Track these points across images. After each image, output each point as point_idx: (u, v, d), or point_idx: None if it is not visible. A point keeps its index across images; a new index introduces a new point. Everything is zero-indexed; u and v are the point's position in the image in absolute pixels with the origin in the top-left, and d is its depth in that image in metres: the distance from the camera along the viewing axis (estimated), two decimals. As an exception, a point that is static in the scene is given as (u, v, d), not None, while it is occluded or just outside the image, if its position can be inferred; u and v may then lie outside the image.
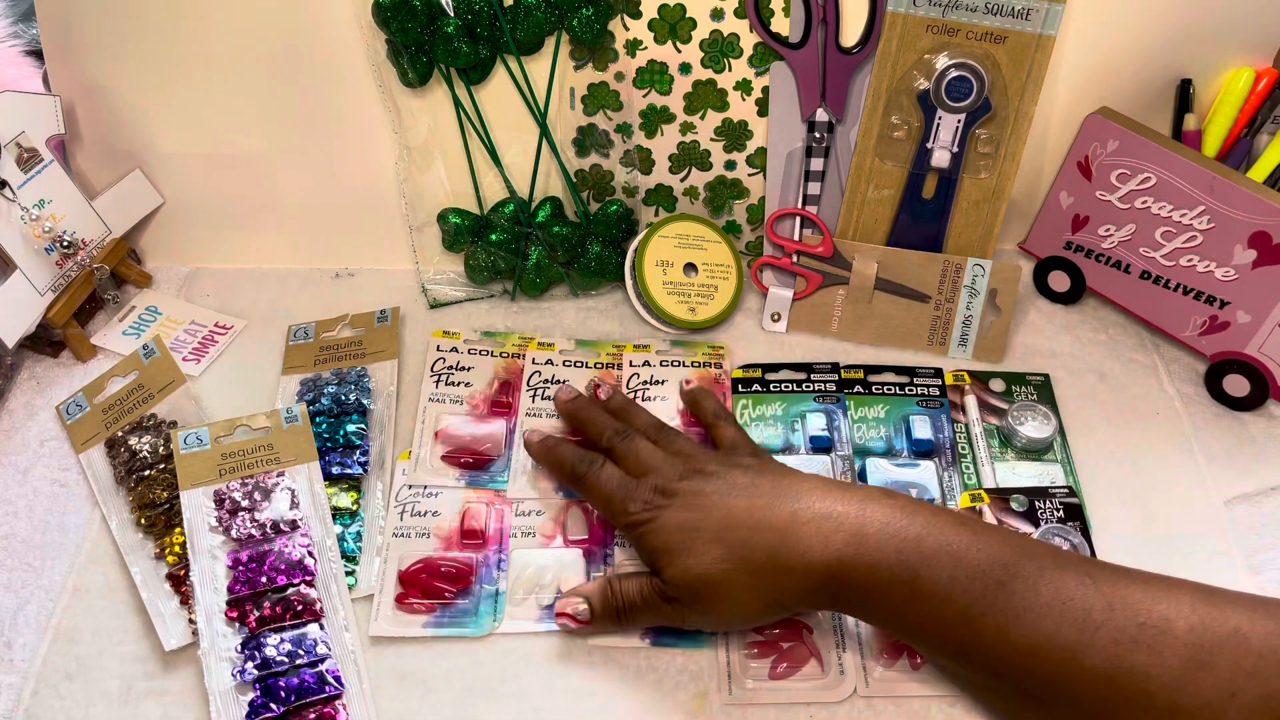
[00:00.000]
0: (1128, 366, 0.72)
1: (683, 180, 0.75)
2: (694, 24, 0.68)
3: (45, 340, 0.72)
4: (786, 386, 0.70)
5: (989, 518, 0.61)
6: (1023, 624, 0.45)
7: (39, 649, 0.57)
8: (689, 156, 0.73)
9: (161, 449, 0.63)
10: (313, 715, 0.53)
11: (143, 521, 0.61)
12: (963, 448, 0.66)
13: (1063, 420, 0.68)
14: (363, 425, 0.66)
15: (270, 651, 0.54)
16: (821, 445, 0.66)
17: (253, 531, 0.59)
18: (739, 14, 0.67)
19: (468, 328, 0.74)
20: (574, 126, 0.72)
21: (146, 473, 0.62)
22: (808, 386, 0.70)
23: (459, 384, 0.69)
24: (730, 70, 0.69)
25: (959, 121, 0.68)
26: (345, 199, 0.76)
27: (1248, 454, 0.67)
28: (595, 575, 0.60)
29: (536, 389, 0.69)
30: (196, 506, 0.60)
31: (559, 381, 0.70)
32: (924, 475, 0.64)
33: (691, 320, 0.73)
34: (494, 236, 0.73)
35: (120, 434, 0.65)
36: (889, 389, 0.70)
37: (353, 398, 0.67)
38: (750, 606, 0.52)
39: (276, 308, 0.76)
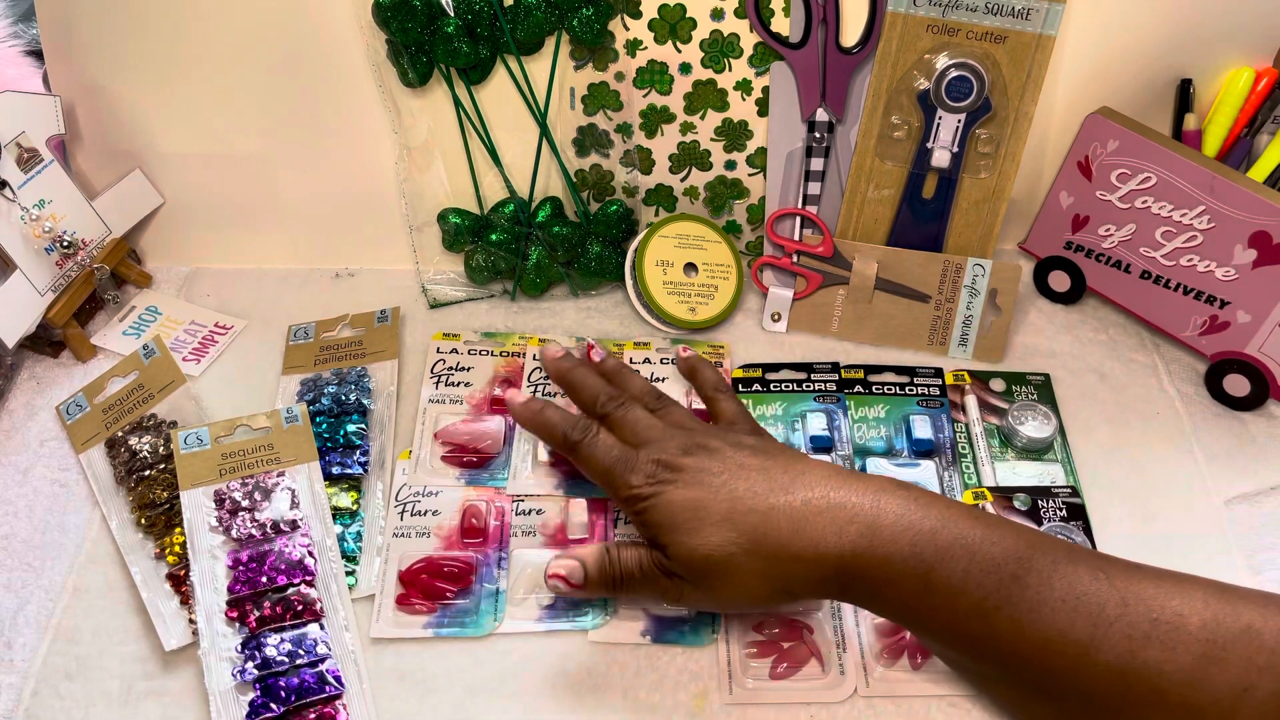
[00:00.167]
0: (1128, 366, 0.72)
1: (683, 180, 0.75)
2: (694, 24, 0.68)
3: (45, 340, 0.72)
4: (787, 386, 0.70)
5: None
6: (1036, 619, 0.45)
7: (39, 649, 0.57)
8: (689, 156, 0.73)
9: (161, 449, 0.63)
10: (313, 715, 0.53)
11: (143, 521, 0.61)
12: (963, 447, 0.66)
13: (1063, 420, 0.68)
14: (363, 425, 0.66)
15: (270, 651, 0.54)
16: (822, 445, 0.66)
17: (253, 531, 0.59)
18: (739, 14, 0.67)
19: (468, 328, 0.74)
20: (574, 126, 0.72)
21: (146, 473, 0.62)
22: (808, 386, 0.70)
23: (459, 384, 0.69)
24: (730, 70, 0.69)
25: (959, 121, 0.68)
26: (345, 199, 0.76)
27: (1248, 454, 0.67)
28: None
29: (537, 385, 0.69)
30: (197, 506, 0.60)
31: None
32: (924, 475, 0.64)
33: (691, 320, 0.73)
34: (494, 236, 0.73)
35: (120, 434, 0.65)
36: (889, 389, 0.70)
37: (353, 398, 0.67)
38: (757, 592, 0.51)
39: (276, 308, 0.75)
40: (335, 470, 0.63)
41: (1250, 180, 0.66)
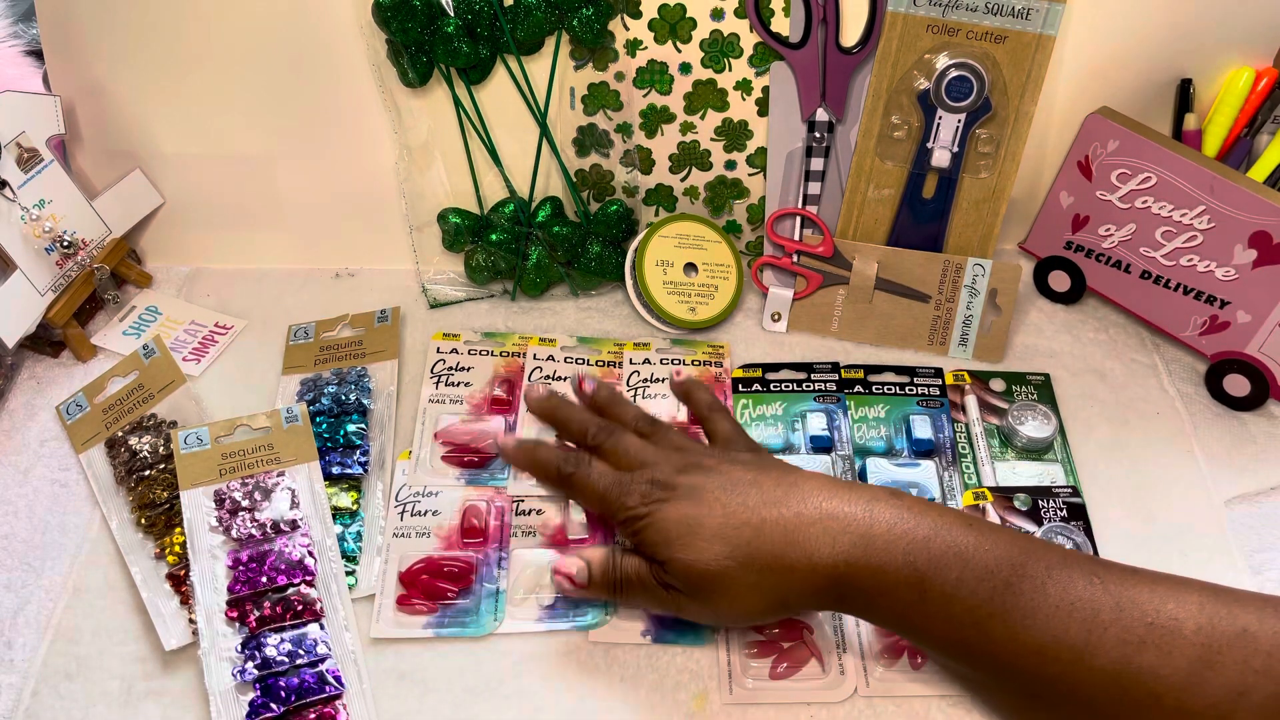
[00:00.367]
0: (1128, 366, 0.72)
1: (683, 180, 0.75)
2: (694, 24, 0.68)
3: (45, 340, 0.72)
4: (787, 386, 0.70)
5: (992, 517, 0.61)
6: (1030, 625, 0.45)
7: (39, 649, 0.57)
8: (689, 156, 0.73)
9: (162, 449, 0.63)
10: (313, 715, 0.53)
11: (143, 521, 0.61)
12: (963, 447, 0.66)
13: (1063, 420, 0.68)
14: (363, 425, 0.66)
15: (270, 651, 0.54)
16: (822, 445, 0.66)
17: (253, 531, 0.59)
18: (739, 14, 0.67)
19: (468, 328, 0.74)
20: (574, 126, 0.72)
21: (146, 473, 0.62)
22: (808, 386, 0.70)
23: (459, 384, 0.69)
24: (730, 70, 0.69)
25: (959, 121, 0.68)
26: (345, 199, 0.76)
27: (1248, 454, 0.67)
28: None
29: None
30: (196, 506, 0.60)
31: (560, 379, 0.70)
32: (924, 475, 0.64)
33: (691, 320, 0.73)
34: (494, 236, 0.73)
35: (120, 434, 0.65)
36: (889, 389, 0.70)
37: (353, 398, 0.67)
38: (752, 605, 0.51)
39: (276, 308, 0.75)
40: (335, 470, 0.63)
41: (1250, 180, 0.66)
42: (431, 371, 0.70)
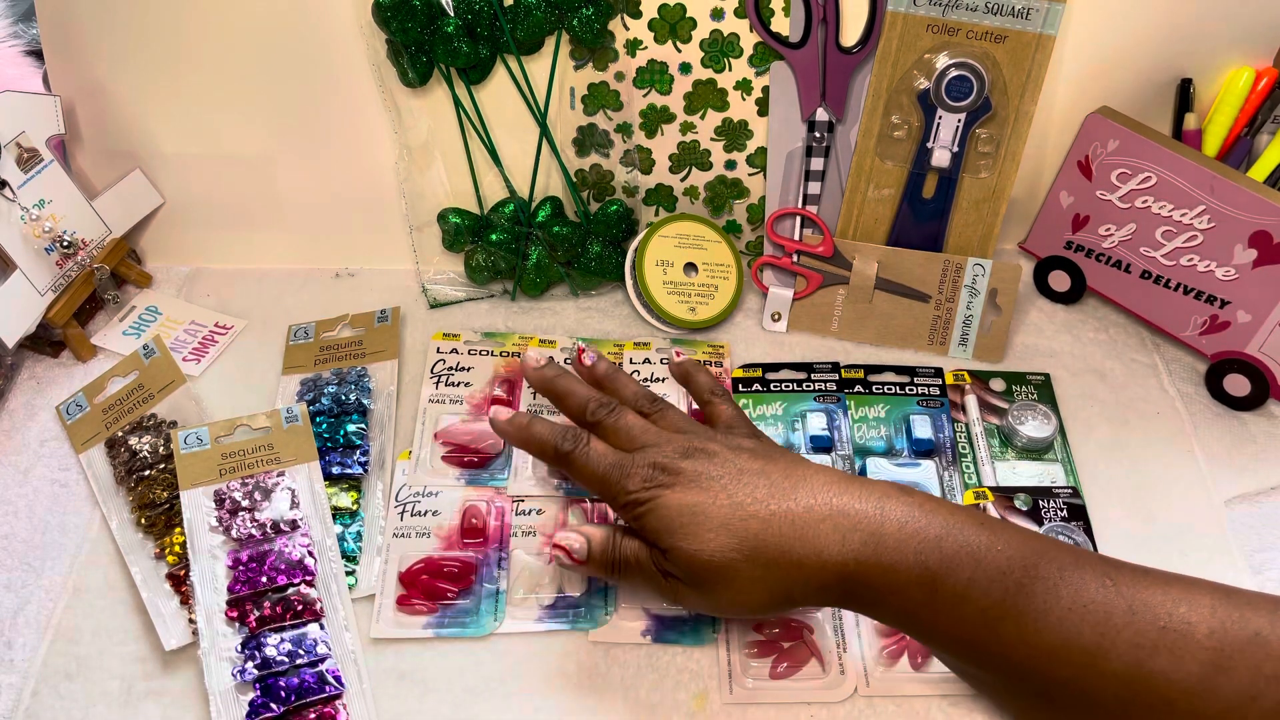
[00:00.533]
0: (1128, 366, 0.72)
1: (683, 180, 0.75)
2: (694, 24, 0.68)
3: (45, 340, 0.72)
4: (787, 386, 0.70)
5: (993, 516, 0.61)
6: (1043, 627, 0.45)
7: (39, 649, 0.57)
8: (689, 156, 0.73)
9: (161, 449, 0.63)
10: (313, 715, 0.53)
11: (143, 521, 0.61)
12: (963, 447, 0.66)
13: (1063, 420, 0.68)
14: (363, 425, 0.66)
15: (270, 651, 0.54)
16: (822, 445, 0.66)
17: (253, 531, 0.59)
18: (739, 14, 0.67)
19: (468, 328, 0.74)
20: (574, 126, 0.72)
21: (146, 473, 0.62)
22: (808, 386, 0.70)
23: (459, 384, 0.69)
24: (730, 70, 0.69)
25: (959, 121, 0.68)
26: (345, 199, 0.76)
27: (1248, 454, 0.67)
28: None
29: (537, 389, 0.69)
30: (196, 506, 0.60)
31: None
32: (924, 475, 0.64)
33: (691, 320, 0.73)
34: (494, 236, 0.73)
35: (120, 434, 0.65)
36: (889, 388, 0.70)
37: (353, 398, 0.67)
38: (756, 598, 0.50)
39: (276, 308, 0.75)
40: (335, 470, 0.63)
41: (1250, 180, 0.66)
42: (431, 371, 0.70)
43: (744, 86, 0.70)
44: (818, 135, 0.71)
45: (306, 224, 0.78)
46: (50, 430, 0.68)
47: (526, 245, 0.74)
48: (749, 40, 0.68)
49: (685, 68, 0.69)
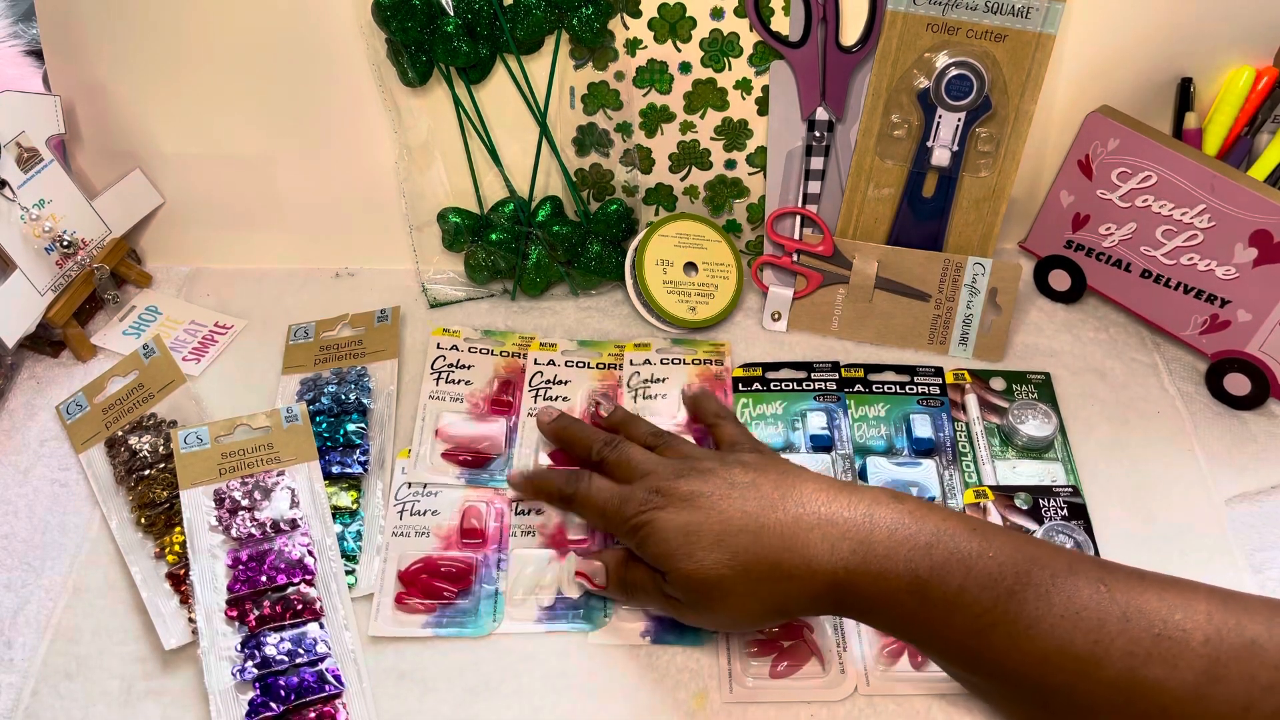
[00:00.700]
0: (1128, 365, 0.72)
1: (683, 179, 0.75)
2: (694, 23, 0.68)
3: (45, 340, 0.72)
4: (787, 385, 0.70)
5: (993, 515, 0.61)
6: (1035, 634, 0.44)
7: (39, 649, 0.57)
8: (689, 155, 0.73)
9: (161, 448, 0.63)
10: (313, 714, 0.53)
11: (143, 521, 0.61)
12: (963, 446, 0.66)
13: (1063, 419, 0.68)
14: (363, 424, 0.66)
15: (270, 650, 0.54)
16: (822, 444, 0.66)
17: (253, 531, 0.59)
18: (739, 13, 0.67)
19: (468, 327, 0.74)
20: (574, 126, 0.72)
21: (146, 472, 0.62)
22: (808, 385, 0.70)
23: (459, 382, 0.69)
24: (730, 69, 0.69)
25: (959, 120, 0.68)
26: (345, 199, 0.76)
27: (1248, 453, 0.67)
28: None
29: (538, 390, 0.69)
30: (196, 506, 0.60)
31: (561, 382, 0.70)
32: (925, 474, 0.64)
33: (691, 319, 0.73)
34: (494, 236, 0.73)
35: (120, 433, 0.65)
36: (889, 388, 0.70)
37: (353, 397, 0.67)
38: (752, 611, 0.51)
39: (276, 308, 0.75)
40: (335, 470, 0.63)
41: (1251, 179, 0.66)
42: (431, 368, 0.70)
43: (744, 86, 0.70)
44: (817, 134, 0.71)
45: (306, 224, 0.78)
46: (50, 430, 0.68)
47: (526, 245, 0.74)
48: (749, 39, 0.68)
49: (685, 67, 0.69)
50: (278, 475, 0.61)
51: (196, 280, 0.78)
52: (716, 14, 0.67)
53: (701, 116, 0.72)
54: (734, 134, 0.72)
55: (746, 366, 0.71)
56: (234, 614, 0.56)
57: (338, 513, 0.62)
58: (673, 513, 0.51)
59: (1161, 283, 0.71)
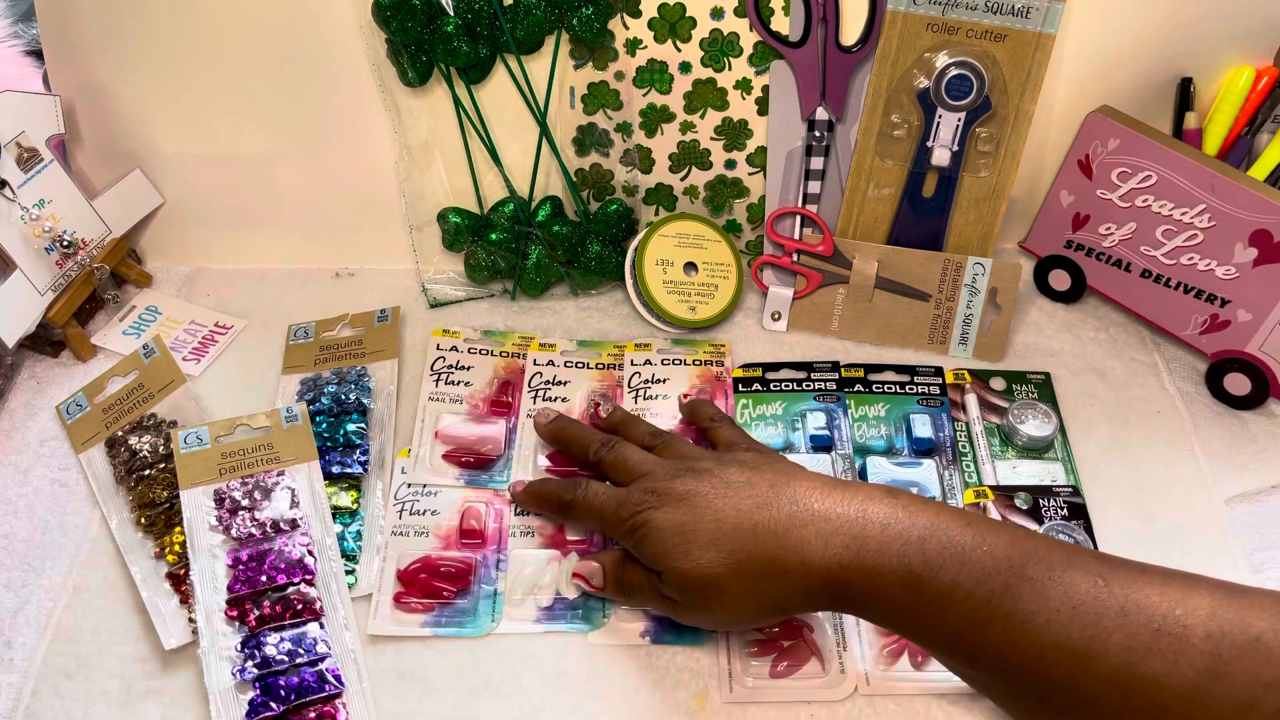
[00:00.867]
0: (1128, 365, 0.72)
1: (683, 179, 0.75)
2: (694, 23, 0.68)
3: (45, 340, 0.72)
4: (787, 385, 0.70)
5: (993, 515, 0.61)
6: (1030, 629, 0.44)
7: (39, 648, 0.57)
8: (689, 155, 0.73)
9: (161, 448, 0.63)
10: (313, 714, 0.53)
11: (143, 521, 0.61)
12: (963, 446, 0.66)
13: (1063, 419, 0.68)
14: (363, 424, 0.66)
15: (270, 650, 0.54)
16: (822, 444, 0.66)
17: (253, 530, 0.59)
18: (739, 13, 0.67)
19: (468, 327, 0.74)
20: (574, 126, 0.72)
21: (146, 472, 0.62)
22: (808, 385, 0.70)
23: (459, 383, 0.69)
24: (730, 69, 0.69)
25: (959, 120, 0.68)
26: (345, 199, 0.76)
27: (1248, 453, 0.67)
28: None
29: (538, 390, 0.69)
30: (196, 506, 0.60)
31: (560, 383, 0.70)
32: (925, 474, 0.64)
33: (691, 319, 0.73)
34: (494, 236, 0.73)
35: (120, 433, 0.65)
36: (889, 388, 0.70)
37: (353, 397, 0.67)
38: (748, 609, 0.51)
39: (276, 308, 0.75)
40: (335, 469, 0.63)
41: (1251, 179, 0.66)
42: (431, 369, 0.70)
43: (744, 86, 0.70)
44: (817, 134, 0.71)
45: (306, 224, 0.78)
46: (50, 430, 0.68)
47: (526, 245, 0.74)
48: (749, 39, 0.68)
49: (685, 67, 0.69)
50: (278, 475, 0.61)
51: (196, 280, 0.78)
52: (716, 14, 0.67)
53: (701, 116, 0.72)
54: (734, 134, 0.72)
55: (746, 367, 0.71)
56: (234, 614, 0.56)
57: (338, 513, 0.62)
58: (668, 512, 0.52)
59: (1161, 282, 0.71)
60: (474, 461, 0.65)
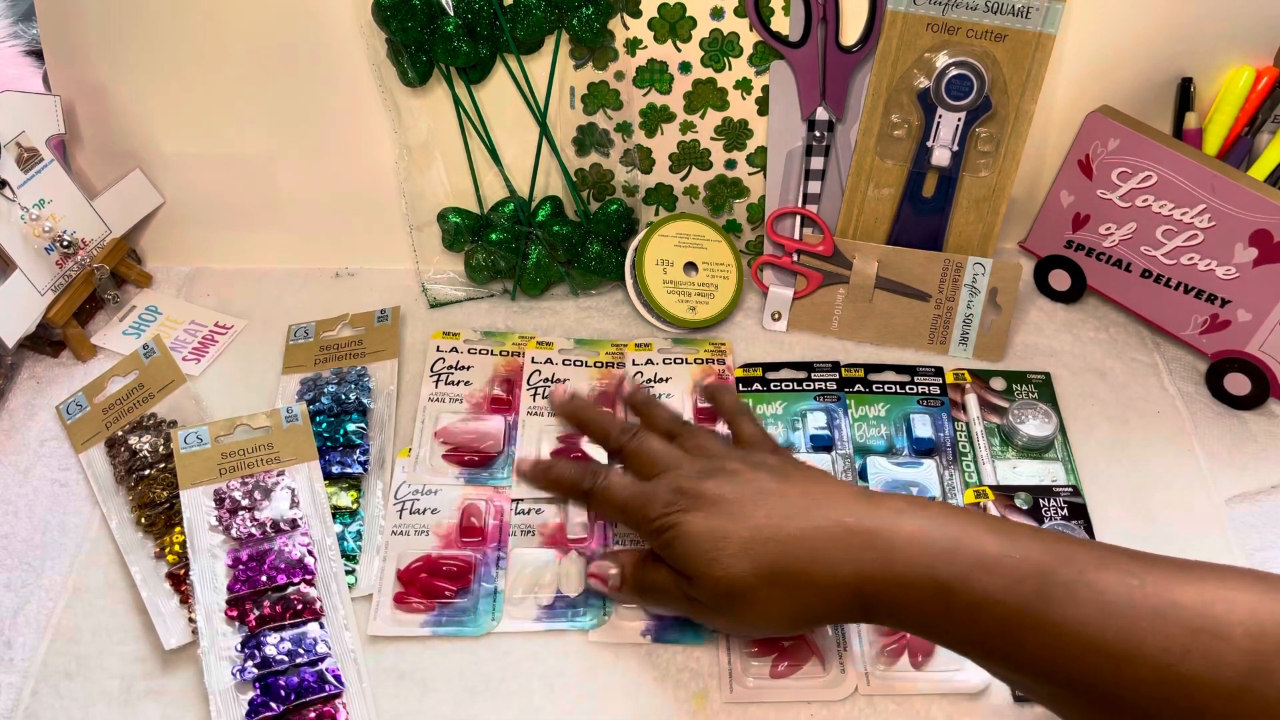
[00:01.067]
0: (1128, 365, 0.72)
1: (683, 179, 0.75)
2: (694, 23, 0.68)
3: (45, 340, 0.72)
4: (787, 385, 0.70)
5: (993, 514, 0.61)
6: (1064, 634, 0.43)
7: (39, 648, 0.57)
8: (689, 155, 0.73)
9: (161, 448, 0.63)
10: (313, 714, 0.53)
11: (143, 521, 0.61)
12: (963, 446, 0.66)
13: (1063, 419, 0.68)
14: (363, 424, 0.66)
15: (270, 650, 0.54)
16: (822, 444, 0.66)
17: (253, 530, 0.59)
18: (739, 13, 0.67)
19: (468, 327, 0.74)
20: (574, 125, 0.72)
21: (146, 472, 0.62)
22: (808, 385, 0.70)
23: (459, 383, 0.69)
24: (730, 69, 0.69)
25: (959, 120, 0.68)
26: (345, 199, 0.76)
27: (1248, 453, 0.67)
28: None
29: (537, 388, 0.69)
30: (196, 505, 0.60)
31: (559, 380, 0.70)
32: (925, 474, 0.64)
33: (691, 319, 0.73)
34: (494, 236, 0.73)
35: (120, 433, 0.65)
36: (889, 388, 0.70)
37: (353, 397, 0.67)
38: (778, 620, 0.50)
39: (276, 308, 0.75)
40: (335, 469, 0.63)
41: (1251, 179, 0.66)
42: (431, 370, 0.70)
43: (744, 86, 0.70)
44: (818, 134, 0.71)
45: (306, 224, 0.78)
46: (50, 430, 0.68)
47: (526, 245, 0.74)
48: (749, 39, 0.68)
49: (685, 67, 0.69)
50: (278, 475, 0.61)
51: (196, 280, 0.78)
52: (716, 14, 0.67)
53: (701, 116, 0.72)
54: (734, 134, 0.72)
55: (746, 366, 0.71)
56: (234, 614, 0.56)
57: (338, 513, 0.62)
58: (700, 517, 0.51)
59: (1162, 283, 0.71)
60: (474, 460, 0.65)
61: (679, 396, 0.69)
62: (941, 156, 0.69)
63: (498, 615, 0.58)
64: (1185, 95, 0.72)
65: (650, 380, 0.70)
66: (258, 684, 0.54)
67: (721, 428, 0.64)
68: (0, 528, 0.62)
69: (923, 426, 0.66)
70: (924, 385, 0.70)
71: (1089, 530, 0.61)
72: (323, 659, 0.55)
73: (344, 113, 0.72)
